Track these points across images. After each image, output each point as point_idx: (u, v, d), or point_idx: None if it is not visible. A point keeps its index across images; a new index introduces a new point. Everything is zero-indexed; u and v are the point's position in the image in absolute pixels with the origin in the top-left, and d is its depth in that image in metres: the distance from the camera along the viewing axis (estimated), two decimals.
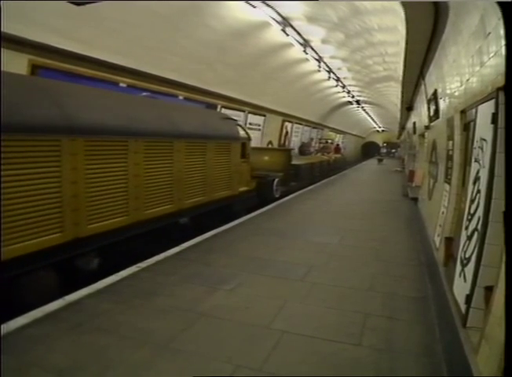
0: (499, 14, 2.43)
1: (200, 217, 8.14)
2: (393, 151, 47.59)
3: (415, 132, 14.09)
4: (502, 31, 2.45)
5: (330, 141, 32.16)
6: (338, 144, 34.51)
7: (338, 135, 36.74)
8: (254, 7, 8.90)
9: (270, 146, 18.88)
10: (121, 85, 9.30)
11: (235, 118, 12.90)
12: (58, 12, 6.54)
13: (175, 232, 7.18)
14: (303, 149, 25.07)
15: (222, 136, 8.91)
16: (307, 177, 17.07)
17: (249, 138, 10.51)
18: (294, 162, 15.72)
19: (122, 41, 8.27)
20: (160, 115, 7.19)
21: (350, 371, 3.06)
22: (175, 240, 6.61)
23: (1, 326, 3.49)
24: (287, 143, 22.36)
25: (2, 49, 6.25)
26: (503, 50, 2.33)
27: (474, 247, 2.91)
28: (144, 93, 10.30)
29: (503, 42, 2.37)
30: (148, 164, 6.33)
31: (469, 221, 3.21)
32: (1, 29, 5.66)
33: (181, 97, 11.58)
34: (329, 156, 25.55)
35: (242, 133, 10.15)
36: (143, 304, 4.18)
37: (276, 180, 12.30)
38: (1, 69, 4.68)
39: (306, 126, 25.18)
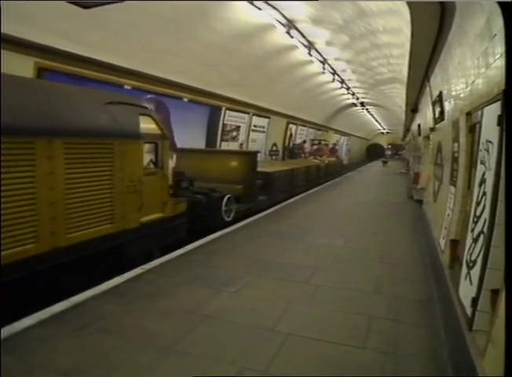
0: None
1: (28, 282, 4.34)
2: (399, 153, 46.93)
3: (419, 134, 14.05)
4: None
5: (324, 143, 28.33)
6: (333, 146, 30.64)
7: (333, 135, 33.89)
8: (260, 9, 8.92)
9: (224, 148, 14.79)
10: (126, 87, 9.35)
11: (241, 119, 12.67)
12: (65, 15, 6.58)
13: None
14: (294, 152, 22.37)
15: (93, 131, 5.13)
16: (284, 188, 13.24)
17: (164, 136, 6.52)
18: (264, 169, 12.23)
19: (128, 43, 8.32)
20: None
21: (355, 373, 3.04)
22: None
23: (6, 327, 3.51)
24: (291, 145, 22.37)
25: (8, 53, 6.31)
26: None
27: (480, 250, 2.89)
28: (149, 96, 10.36)
29: None
30: None
31: (475, 223, 3.19)
32: (3, 30, 5.70)
33: (185, 99, 11.63)
34: (321, 160, 22.00)
35: (151, 127, 6.24)
36: (147, 306, 4.18)
37: (227, 197, 8.79)
38: (2, 71, 4.60)
39: (311, 128, 25.17)
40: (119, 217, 5.50)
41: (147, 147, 6.24)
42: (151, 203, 6.18)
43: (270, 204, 11.17)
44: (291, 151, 22.09)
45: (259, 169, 11.34)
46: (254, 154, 11.54)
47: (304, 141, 24.56)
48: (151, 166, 6.38)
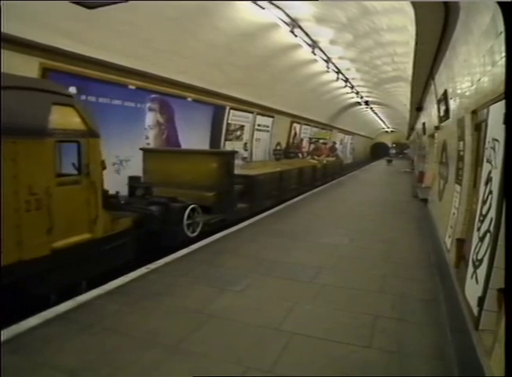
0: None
1: None
2: (404, 151, 46.59)
3: (424, 132, 13.99)
4: None
5: (322, 141, 26.46)
6: (332, 145, 29.06)
7: (337, 134, 32.82)
8: (263, 8, 8.90)
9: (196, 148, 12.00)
10: (130, 87, 9.37)
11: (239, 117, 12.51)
12: (69, 16, 6.60)
13: None
14: (289, 151, 20.69)
15: None
16: (271, 193, 11.71)
17: (91, 132, 5.09)
18: (245, 171, 10.99)
19: (132, 43, 8.33)
20: None
21: (360, 373, 3.04)
22: None
23: (12, 326, 3.53)
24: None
25: (14, 53, 6.35)
26: None
27: (487, 249, 2.87)
28: (153, 96, 10.39)
29: None
30: None
31: (482, 222, 3.17)
32: (3, 30, 5.72)
33: (189, 99, 11.64)
34: (319, 160, 20.42)
35: (71, 120, 4.84)
36: (152, 305, 4.19)
37: (190, 207, 7.07)
38: (2, 70, 4.52)
39: (315, 127, 25.11)
40: (12, 245, 4.01)
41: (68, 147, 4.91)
42: (71, 222, 4.63)
43: (252, 213, 9.70)
44: (287, 151, 20.54)
45: (240, 172, 10.16)
46: (230, 154, 9.52)
47: (301, 140, 23.07)
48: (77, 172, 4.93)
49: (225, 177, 8.63)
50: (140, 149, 9.01)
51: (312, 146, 24.99)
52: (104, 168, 5.47)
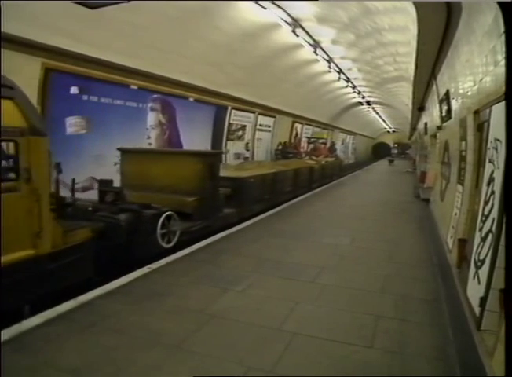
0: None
1: None
2: (406, 151, 46.40)
3: (426, 132, 13.96)
4: None
5: (322, 141, 25.41)
6: (332, 145, 28.16)
7: (338, 134, 32.57)
8: (265, 8, 8.91)
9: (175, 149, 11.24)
10: (132, 87, 9.39)
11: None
12: (71, 16, 6.61)
13: None
14: (286, 151, 19.61)
15: None
16: (262, 196, 10.73)
17: (34, 130, 4.19)
18: (233, 174, 10.05)
19: (134, 43, 8.34)
20: None
21: (362, 373, 3.03)
22: None
23: (15, 325, 3.55)
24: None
25: (17, 54, 6.37)
26: None
27: (489, 249, 2.87)
28: (155, 95, 10.41)
29: None
30: None
31: (484, 222, 3.16)
32: (5, 29, 5.73)
33: (191, 99, 11.65)
34: (317, 160, 19.36)
35: (11, 116, 3.98)
36: (154, 305, 4.19)
37: (165, 215, 6.26)
38: (4, 71, 4.43)
39: (316, 127, 25.10)
40: None
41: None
42: (7, 237, 3.78)
43: (240, 219, 8.95)
44: (283, 151, 19.44)
45: (227, 174, 9.42)
46: (214, 155, 8.67)
47: (299, 140, 22.18)
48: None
49: (209, 180, 7.72)
50: (118, 149, 8.32)
51: (311, 146, 24.22)
52: (59, 172, 4.89)
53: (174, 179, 7.55)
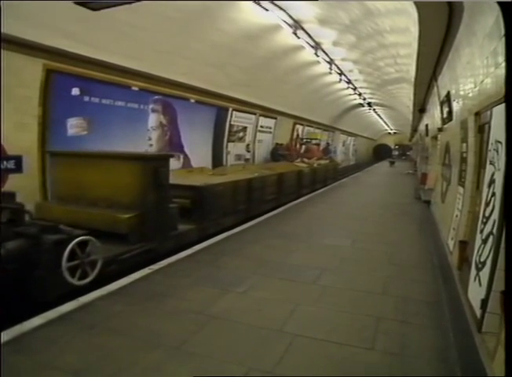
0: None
1: None
2: (407, 153, 46.33)
3: (427, 134, 13.96)
4: None
5: (315, 142, 23.36)
6: (326, 146, 26.23)
7: (339, 135, 31.60)
8: (266, 10, 8.92)
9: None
10: (133, 88, 9.41)
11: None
12: (73, 17, 6.63)
13: None
14: (277, 153, 18.02)
15: None
16: (234, 208, 9.13)
17: None
18: (192, 182, 8.25)
19: (135, 45, 8.36)
20: None
21: (363, 375, 3.03)
22: None
23: (16, 326, 3.55)
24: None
25: (18, 55, 6.39)
26: None
27: (490, 251, 2.87)
28: (156, 97, 10.42)
29: None
30: None
31: (485, 224, 3.16)
32: (7, 31, 5.75)
33: (192, 100, 11.67)
34: (310, 163, 17.77)
35: None
36: (155, 306, 4.20)
37: (75, 242, 4.63)
38: (6, 71, 4.34)
39: (317, 128, 25.11)
40: None
41: None
42: None
43: (202, 236, 7.32)
44: (274, 153, 18.00)
45: (185, 182, 7.98)
46: (160, 159, 6.60)
47: (292, 140, 20.58)
48: None
49: (153, 190, 6.05)
50: (47, 152, 7.11)
51: (303, 147, 22.31)
52: None
53: (111, 189, 6.09)
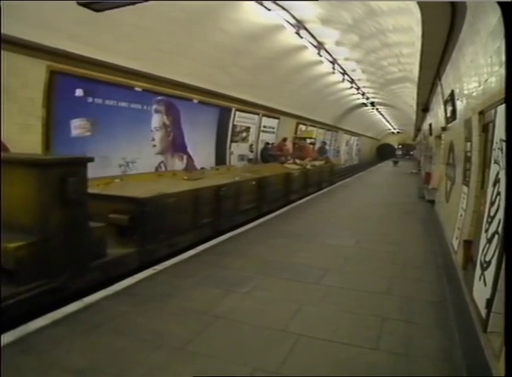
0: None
1: None
2: (410, 153, 46.10)
3: (431, 133, 13.92)
4: None
5: (309, 141, 21.60)
6: (322, 145, 24.46)
7: (343, 135, 31.08)
8: (269, 10, 8.93)
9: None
10: (136, 89, 9.43)
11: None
12: (77, 19, 6.65)
13: None
14: (267, 154, 16.57)
15: None
16: (195, 222, 7.17)
17: None
18: (133, 193, 6.09)
19: (138, 45, 8.38)
20: None
21: (367, 375, 3.03)
22: None
23: (21, 326, 3.56)
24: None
25: (22, 56, 6.42)
26: None
27: (495, 251, 2.86)
28: (159, 97, 10.44)
29: None
30: None
31: (489, 223, 3.15)
32: (7, 32, 5.78)
33: (195, 101, 11.69)
34: (303, 164, 15.88)
35: None
36: (159, 306, 4.20)
37: None
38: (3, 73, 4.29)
39: (320, 128, 25.08)
40: None
41: None
42: None
43: (145, 262, 5.64)
44: (264, 154, 16.55)
45: (123, 193, 6.21)
46: (71, 165, 4.60)
47: (284, 139, 18.43)
48: None
49: (59, 207, 4.34)
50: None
51: (296, 146, 20.19)
52: None
53: (5, 207, 4.16)
